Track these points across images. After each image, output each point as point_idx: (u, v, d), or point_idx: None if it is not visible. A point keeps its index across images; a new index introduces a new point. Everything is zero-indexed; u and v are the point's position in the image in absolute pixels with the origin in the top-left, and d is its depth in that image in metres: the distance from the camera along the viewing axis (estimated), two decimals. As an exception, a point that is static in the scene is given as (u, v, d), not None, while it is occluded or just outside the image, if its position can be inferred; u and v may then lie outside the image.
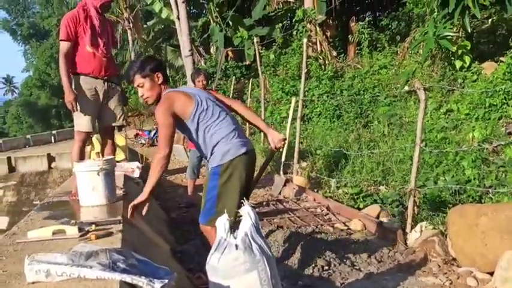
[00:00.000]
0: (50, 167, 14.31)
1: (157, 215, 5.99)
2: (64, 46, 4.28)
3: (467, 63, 8.01)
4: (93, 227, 2.91)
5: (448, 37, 7.91)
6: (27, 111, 54.55)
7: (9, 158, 14.40)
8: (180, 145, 7.59)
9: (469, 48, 8.04)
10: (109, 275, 1.98)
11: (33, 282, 2.04)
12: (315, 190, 7.00)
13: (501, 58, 7.78)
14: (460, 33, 8.24)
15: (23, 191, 13.97)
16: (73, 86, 4.32)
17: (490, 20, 9.74)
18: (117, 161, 7.24)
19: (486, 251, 3.77)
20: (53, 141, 23.49)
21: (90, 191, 3.80)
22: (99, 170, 3.80)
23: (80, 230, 2.82)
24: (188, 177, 7.22)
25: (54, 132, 25.52)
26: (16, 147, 20.17)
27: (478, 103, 7.09)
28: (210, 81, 17.94)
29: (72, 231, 2.80)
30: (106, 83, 4.51)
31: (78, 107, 4.32)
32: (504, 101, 6.75)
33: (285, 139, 3.57)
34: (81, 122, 4.40)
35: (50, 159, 14.35)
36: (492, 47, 9.36)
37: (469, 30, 7.98)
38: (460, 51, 8.02)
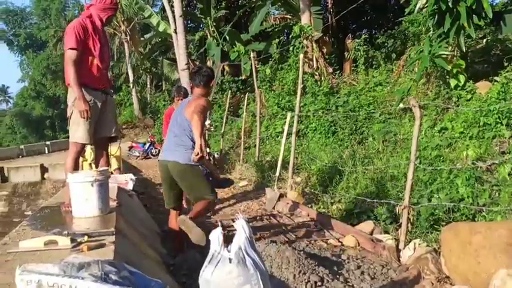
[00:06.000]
0: (42, 178, 14.25)
1: (150, 227, 5.96)
2: (73, 54, 4.20)
3: (462, 82, 8.05)
4: (86, 238, 2.89)
5: (443, 56, 7.97)
6: (22, 122, 54.44)
7: (1, 168, 14.34)
8: None
9: (463, 67, 8.09)
10: (101, 287, 1.96)
11: (23, 293, 2.02)
12: (309, 205, 6.99)
13: (495, 78, 7.84)
14: (455, 52, 8.30)
15: (15, 201, 13.89)
16: (73, 97, 4.28)
17: (484, 40, 9.82)
18: (111, 172, 7.24)
19: (479, 269, 3.75)
20: (46, 152, 23.43)
21: (83, 202, 3.78)
22: (93, 181, 3.78)
23: (72, 241, 2.80)
24: None
25: (47, 142, 25.46)
26: (9, 157, 20.09)
27: (472, 122, 7.13)
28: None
29: (64, 242, 2.78)
30: (103, 95, 4.50)
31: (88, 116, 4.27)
32: (498, 120, 6.78)
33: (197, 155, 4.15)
34: (79, 134, 4.34)
35: (43, 169, 14.30)
36: (487, 67, 9.44)
37: (464, 50, 8.04)
38: (454, 70, 8.07)
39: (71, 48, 4.20)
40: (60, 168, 13.69)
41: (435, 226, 4.91)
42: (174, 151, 4.49)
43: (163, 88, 29.93)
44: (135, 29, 29.37)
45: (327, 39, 16.45)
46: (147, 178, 12.41)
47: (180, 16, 14.18)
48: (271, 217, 6.74)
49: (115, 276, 2.07)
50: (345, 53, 15.26)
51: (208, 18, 19.87)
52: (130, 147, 17.97)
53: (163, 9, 20.34)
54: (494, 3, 9.77)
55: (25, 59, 57.24)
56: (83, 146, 4.51)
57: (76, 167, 4.44)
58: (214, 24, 19.75)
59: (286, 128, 8.05)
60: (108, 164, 4.78)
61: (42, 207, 4.75)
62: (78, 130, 4.34)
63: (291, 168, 7.63)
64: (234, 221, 3.43)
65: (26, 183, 14.13)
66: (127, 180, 6.57)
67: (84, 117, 4.20)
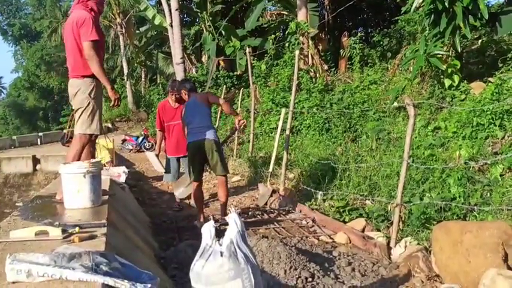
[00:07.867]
0: (34, 169, 14.17)
1: (141, 220, 5.95)
2: (95, 45, 4.14)
3: (456, 82, 8.07)
4: (77, 229, 2.88)
5: (438, 55, 7.98)
6: (14, 112, 54.14)
7: (-7, 159, 14.24)
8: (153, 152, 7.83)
9: (458, 67, 8.11)
10: (91, 278, 1.96)
11: (13, 282, 2.01)
12: (302, 202, 6.99)
13: (490, 79, 7.86)
14: (450, 52, 8.31)
15: (6, 192, 13.81)
16: (91, 89, 4.24)
17: (480, 40, 9.83)
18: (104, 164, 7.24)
19: (469, 268, 3.78)
20: (38, 143, 23.27)
21: (75, 193, 3.76)
22: (86, 172, 3.77)
23: (63, 231, 2.79)
24: (170, 182, 7.49)
25: (40, 134, 25.27)
26: (1, 147, 19.96)
27: (466, 122, 7.15)
28: (200, 90, 18.04)
29: (55, 232, 2.77)
30: None
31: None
32: (491, 120, 6.80)
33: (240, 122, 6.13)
34: (95, 125, 4.30)
35: (35, 161, 14.21)
36: (481, 67, 9.46)
37: (459, 50, 8.06)
38: (449, 70, 8.08)
39: (95, 40, 4.14)
40: (52, 160, 13.62)
41: (426, 225, 4.92)
42: (205, 132, 5.80)
43: (158, 82, 29.78)
44: (131, 22, 29.19)
45: (323, 36, 16.46)
46: (139, 171, 12.38)
47: (176, 10, 14.13)
48: (263, 213, 6.74)
49: (106, 267, 2.06)
50: (341, 50, 15.26)
51: (204, 12, 19.79)
52: (124, 140, 17.90)
53: (159, 2, 20.26)
54: (490, 5, 9.78)
55: (19, 49, 56.87)
56: (90, 138, 4.42)
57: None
58: (211, 18, 19.67)
59: (280, 124, 8.05)
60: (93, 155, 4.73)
61: (33, 197, 4.73)
62: (94, 122, 4.28)
63: (284, 165, 7.63)
64: (226, 215, 3.45)
65: (18, 174, 14.04)
66: (119, 173, 6.56)
67: (117, 105, 4.36)
